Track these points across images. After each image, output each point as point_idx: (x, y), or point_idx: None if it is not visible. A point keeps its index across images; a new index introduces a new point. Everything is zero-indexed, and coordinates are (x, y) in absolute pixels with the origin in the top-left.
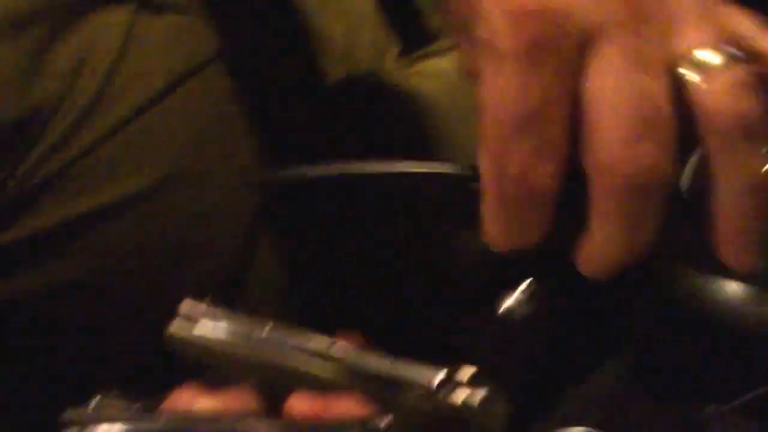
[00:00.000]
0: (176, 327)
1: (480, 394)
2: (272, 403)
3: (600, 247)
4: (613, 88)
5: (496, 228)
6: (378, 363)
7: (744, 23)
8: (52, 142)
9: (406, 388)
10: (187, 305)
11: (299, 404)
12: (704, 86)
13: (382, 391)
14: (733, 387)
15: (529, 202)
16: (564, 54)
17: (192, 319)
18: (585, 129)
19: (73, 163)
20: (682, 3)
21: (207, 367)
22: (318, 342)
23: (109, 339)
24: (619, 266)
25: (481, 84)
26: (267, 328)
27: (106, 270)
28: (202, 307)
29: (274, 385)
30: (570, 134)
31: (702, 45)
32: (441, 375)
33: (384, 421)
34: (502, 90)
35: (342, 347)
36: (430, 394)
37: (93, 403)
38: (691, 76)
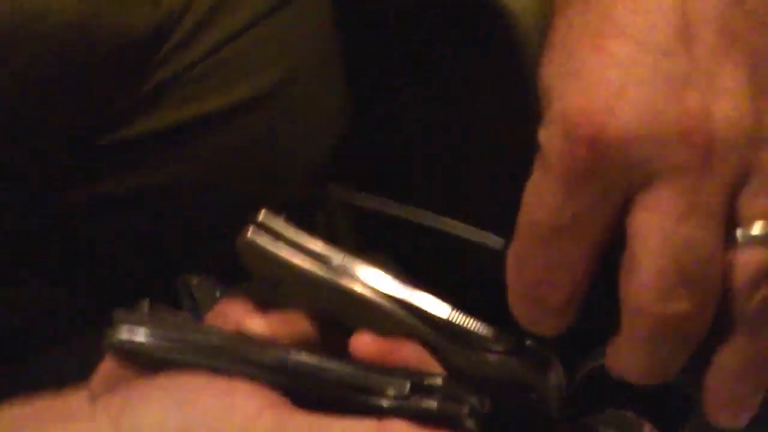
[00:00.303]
0: (250, 235)
1: (543, 363)
2: (328, 334)
3: (625, 359)
4: (656, 234)
5: (517, 311)
6: (449, 314)
7: None
8: (176, 45)
9: (471, 344)
10: (263, 216)
11: (364, 344)
12: (745, 255)
13: (447, 342)
14: None
15: (540, 308)
16: (608, 186)
17: (267, 231)
18: (625, 256)
19: (193, 66)
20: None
21: (271, 281)
22: (391, 279)
23: (201, 241)
24: (645, 380)
25: (529, 179)
26: (342, 256)
27: (211, 172)
28: (279, 220)
29: (336, 315)
30: (602, 250)
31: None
32: (508, 338)
33: (440, 380)
34: (540, 197)
35: (415, 289)
36: (496, 355)
37: (143, 306)
38: (742, 236)
